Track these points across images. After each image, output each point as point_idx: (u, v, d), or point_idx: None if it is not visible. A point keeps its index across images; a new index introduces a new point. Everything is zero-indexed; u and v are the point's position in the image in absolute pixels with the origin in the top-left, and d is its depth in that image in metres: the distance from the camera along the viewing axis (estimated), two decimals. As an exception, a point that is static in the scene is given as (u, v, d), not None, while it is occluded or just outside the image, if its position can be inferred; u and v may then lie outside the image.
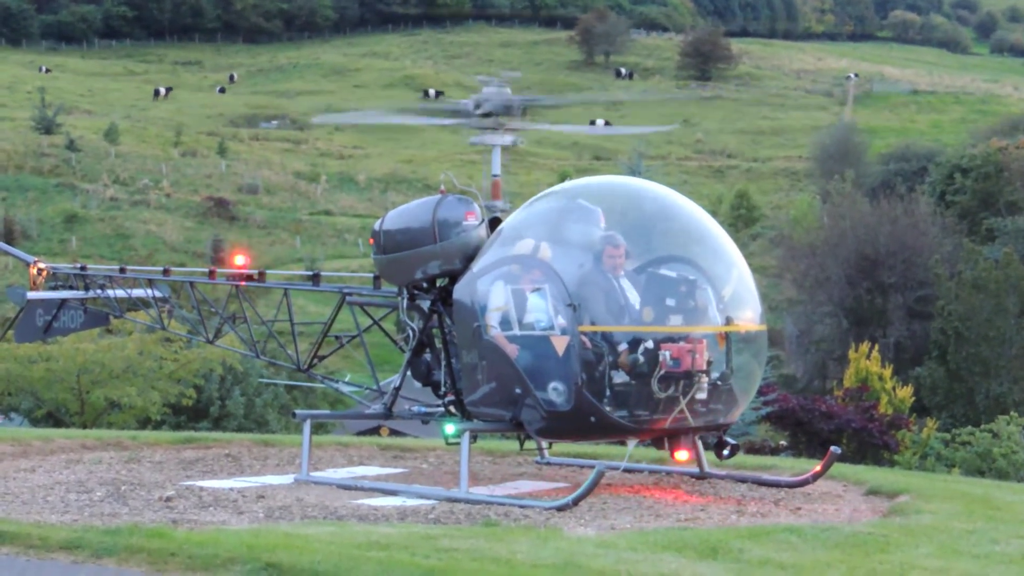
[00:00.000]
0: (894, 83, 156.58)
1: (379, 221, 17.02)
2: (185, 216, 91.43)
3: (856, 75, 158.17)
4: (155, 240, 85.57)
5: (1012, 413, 36.50)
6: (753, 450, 31.80)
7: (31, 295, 20.98)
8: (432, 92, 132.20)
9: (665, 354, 14.58)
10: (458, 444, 15.65)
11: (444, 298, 16.43)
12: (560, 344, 14.82)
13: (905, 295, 62.25)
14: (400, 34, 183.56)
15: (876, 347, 43.51)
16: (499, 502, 15.01)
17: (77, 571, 11.52)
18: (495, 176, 17.51)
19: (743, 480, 16.93)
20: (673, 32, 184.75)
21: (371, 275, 18.22)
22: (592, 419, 14.80)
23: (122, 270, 21.26)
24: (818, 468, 16.62)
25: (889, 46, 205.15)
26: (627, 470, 17.14)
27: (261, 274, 19.38)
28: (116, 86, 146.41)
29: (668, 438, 15.40)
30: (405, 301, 16.96)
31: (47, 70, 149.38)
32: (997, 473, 31.96)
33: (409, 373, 17.07)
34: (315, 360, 18.70)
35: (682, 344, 14.69)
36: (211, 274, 19.94)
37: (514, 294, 15.23)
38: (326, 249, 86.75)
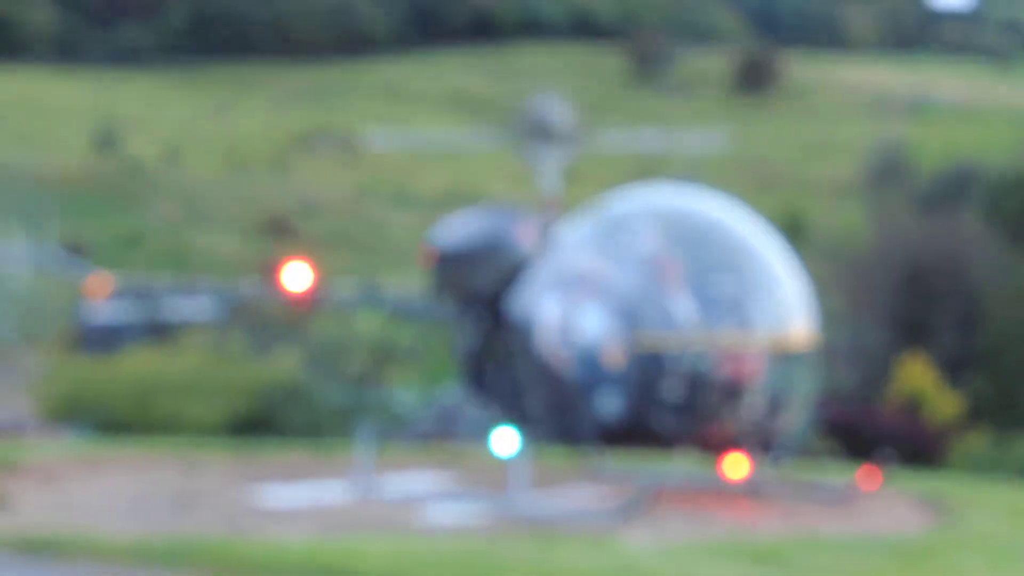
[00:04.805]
0: (943, 98, 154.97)
1: (435, 237, 17.21)
2: (243, 233, 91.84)
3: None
4: (214, 257, 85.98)
5: (1060, 422, 36.27)
6: (804, 460, 31.76)
7: (96, 308, 21.33)
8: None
9: (719, 367, 14.75)
10: (513, 455, 15.86)
11: (499, 312, 16.59)
12: (614, 357, 14.99)
13: (953, 306, 61.88)
14: (451, 51, 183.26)
15: (925, 358, 43.36)
16: (554, 512, 15.19)
17: (140, 580, 11.77)
18: (550, 192, 17.69)
19: (794, 489, 17.04)
20: (723, 47, 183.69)
21: (427, 290, 18.40)
22: (645, 430, 14.98)
23: (182, 287, 21.56)
24: (868, 477, 16.71)
25: (938, 60, 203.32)
26: (680, 480, 17.26)
27: (320, 290, 19.59)
28: (174, 105, 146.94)
29: (720, 448, 15.57)
30: (461, 315, 17.12)
31: (105, 90, 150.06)
32: (1045, 482, 31.77)
33: (465, 386, 17.26)
34: (373, 374, 18.91)
35: (736, 357, 14.86)
36: (271, 290, 20.20)
37: (569, 308, 15.42)
38: (383, 265, 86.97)
